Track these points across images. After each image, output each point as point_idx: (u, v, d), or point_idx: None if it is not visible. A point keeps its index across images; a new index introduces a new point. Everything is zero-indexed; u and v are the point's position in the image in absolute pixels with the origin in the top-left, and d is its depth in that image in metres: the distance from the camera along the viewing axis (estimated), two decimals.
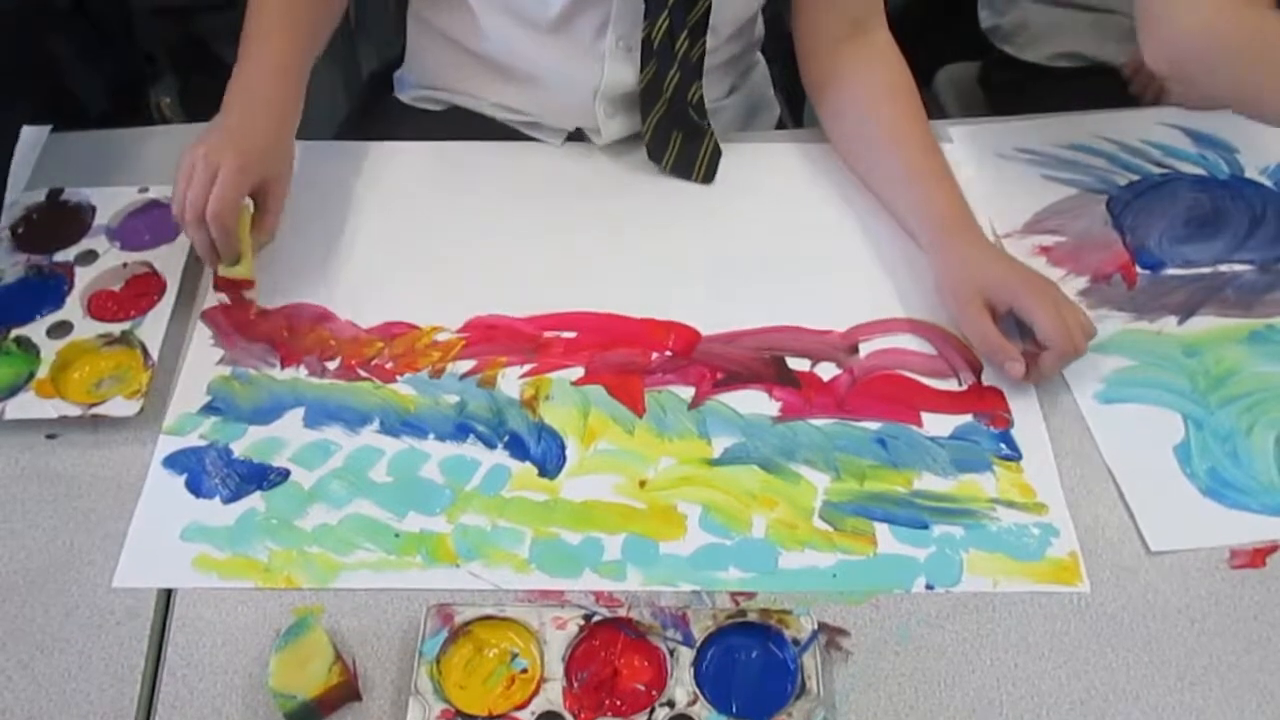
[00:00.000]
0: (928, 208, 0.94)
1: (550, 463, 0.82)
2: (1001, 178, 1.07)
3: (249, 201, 0.91)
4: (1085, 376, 0.89)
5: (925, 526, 0.79)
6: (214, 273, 0.91)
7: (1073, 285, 0.97)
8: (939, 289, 0.91)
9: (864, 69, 1.02)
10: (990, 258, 0.90)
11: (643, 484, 0.81)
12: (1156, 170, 1.08)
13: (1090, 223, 1.02)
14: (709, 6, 0.97)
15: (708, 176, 1.04)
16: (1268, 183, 1.06)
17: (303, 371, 0.88)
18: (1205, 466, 0.83)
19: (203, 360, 0.89)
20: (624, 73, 1.02)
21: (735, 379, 0.88)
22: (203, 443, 0.83)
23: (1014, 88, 1.35)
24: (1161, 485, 0.82)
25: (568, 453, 0.83)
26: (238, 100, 0.93)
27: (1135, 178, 1.07)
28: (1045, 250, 1.00)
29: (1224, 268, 0.98)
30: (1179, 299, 0.95)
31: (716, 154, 1.04)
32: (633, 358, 0.89)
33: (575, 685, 0.69)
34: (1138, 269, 0.98)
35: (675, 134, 1.03)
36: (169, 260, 0.94)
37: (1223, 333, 0.92)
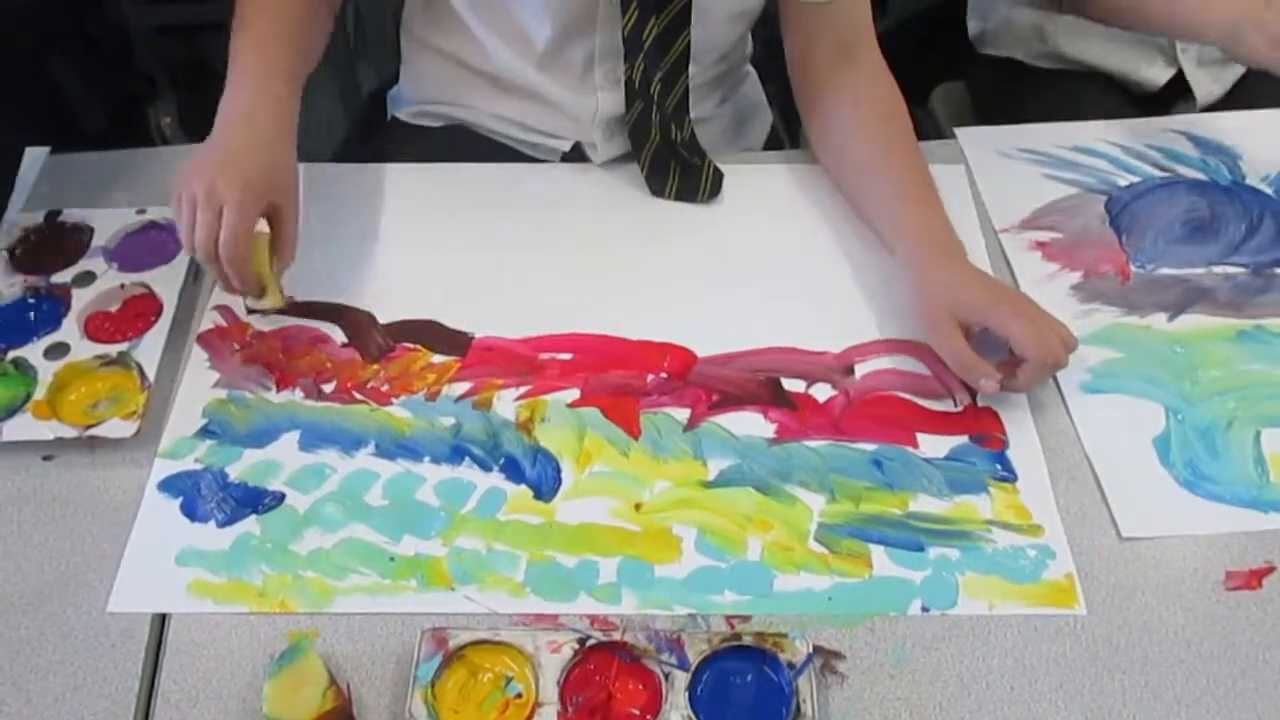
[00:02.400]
0: (908, 231, 0.94)
1: (546, 485, 0.82)
2: (1003, 175, 1.07)
3: (265, 227, 0.89)
4: (1072, 367, 0.88)
5: (921, 549, 0.78)
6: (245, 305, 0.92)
7: (1066, 280, 0.97)
8: (914, 312, 0.91)
9: (852, 92, 1.01)
10: (965, 279, 0.90)
11: (638, 506, 0.81)
12: (1158, 174, 1.08)
13: (1087, 221, 1.03)
14: (684, 51, 0.97)
15: (713, 194, 1.04)
16: (1268, 190, 1.06)
17: (298, 394, 0.88)
18: (1183, 458, 0.83)
19: (198, 383, 0.89)
20: (616, 101, 1.02)
21: (731, 401, 0.88)
22: (198, 466, 0.83)
23: (1002, 89, 1.36)
24: (1138, 474, 0.82)
25: (563, 475, 0.83)
26: (233, 122, 0.89)
27: (1136, 180, 1.07)
28: (1041, 245, 1.00)
29: (1217, 269, 0.98)
30: (1171, 297, 0.96)
31: (718, 175, 1.04)
32: (628, 380, 0.89)
33: (570, 710, 0.69)
34: (1132, 267, 0.98)
35: (673, 166, 1.03)
36: (166, 281, 0.94)
37: (1211, 331, 0.93)
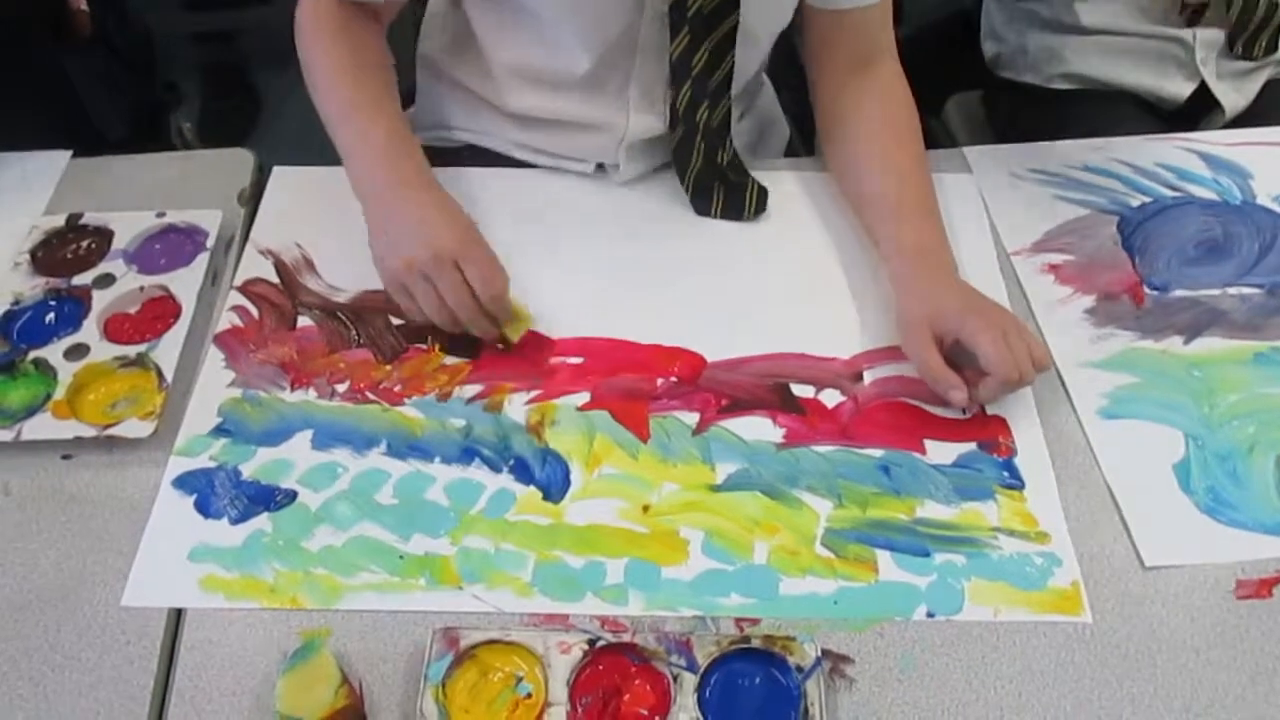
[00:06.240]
0: (898, 243, 0.95)
1: (555, 487, 0.83)
2: (1014, 197, 1.08)
3: None
4: (1089, 392, 0.89)
5: (927, 554, 0.79)
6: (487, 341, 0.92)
7: (1080, 304, 0.97)
8: (895, 321, 0.91)
9: (867, 102, 1.02)
10: (944, 290, 0.90)
11: (646, 509, 0.81)
12: (1169, 193, 1.08)
13: (1100, 243, 1.03)
14: (728, 73, 0.98)
15: (758, 211, 1.05)
16: (1279, 209, 1.06)
17: (312, 394, 0.89)
18: (1204, 485, 0.83)
19: (214, 382, 0.90)
20: (647, 123, 1.03)
21: (740, 405, 0.88)
22: (212, 464, 0.84)
23: (1014, 109, 1.37)
24: (1159, 501, 0.82)
25: (572, 477, 0.83)
26: (395, 197, 0.91)
27: (1147, 200, 1.07)
28: (1054, 268, 1.01)
29: (1232, 290, 0.98)
30: (1186, 319, 0.96)
31: (763, 192, 1.04)
32: (638, 384, 0.90)
33: (579, 710, 0.69)
34: (1146, 289, 0.98)
35: (717, 186, 1.03)
36: (185, 284, 0.95)
37: (1228, 354, 0.92)
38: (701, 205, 1.05)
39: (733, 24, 0.95)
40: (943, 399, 0.86)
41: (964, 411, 0.88)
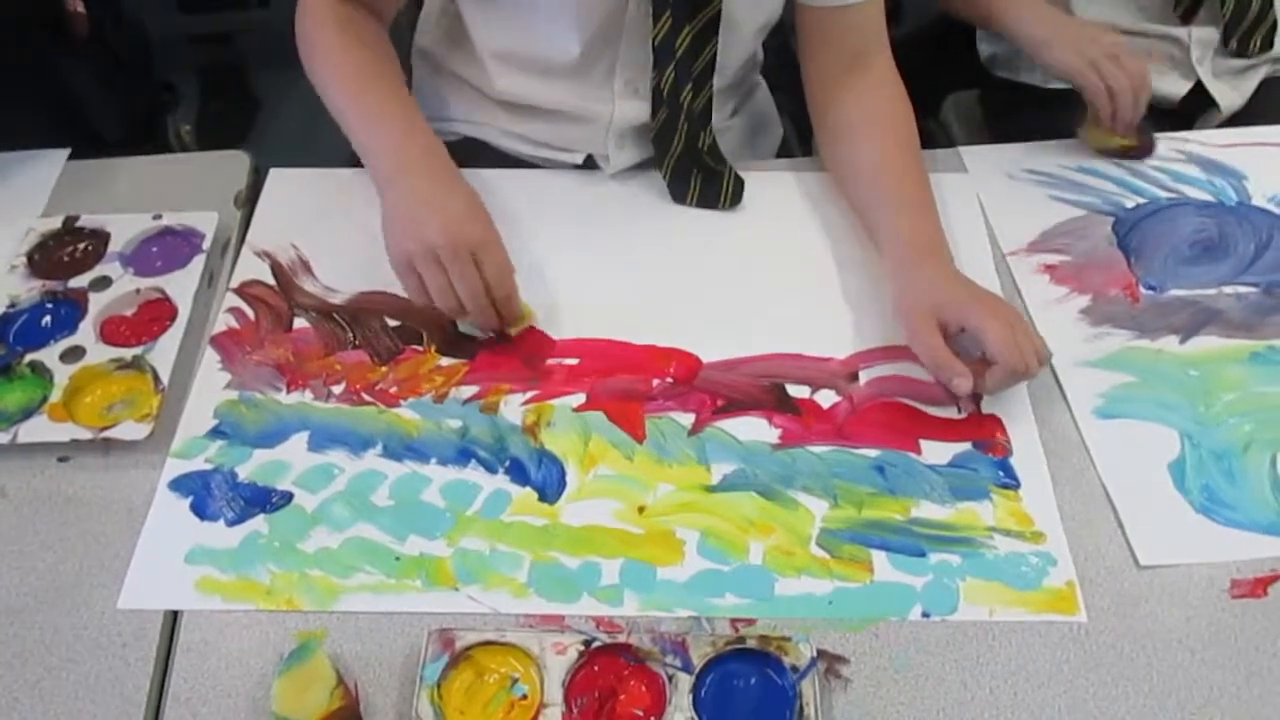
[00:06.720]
0: (897, 236, 0.95)
1: (550, 488, 0.83)
2: (1009, 197, 1.08)
3: None
4: (1084, 392, 0.89)
5: (922, 554, 0.79)
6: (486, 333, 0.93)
7: (1076, 304, 0.97)
8: (896, 311, 0.91)
9: (861, 99, 1.03)
10: (947, 280, 0.90)
11: (642, 510, 0.81)
12: (1164, 195, 1.08)
13: (1095, 243, 1.03)
14: (713, 57, 0.99)
15: (734, 202, 1.05)
16: (1275, 210, 1.06)
17: (308, 396, 0.89)
18: (1199, 484, 0.83)
19: (210, 384, 0.90)
20: (633, 110, 1.04)
21: (735, 406, 0.88)
22: (209, 466, 0.84)
23: (1011, 109, 1.37)
24: (1154, 501, 0.82)
25: (568, 478, 0.83)
26: (415, 181, 0.92)
27: (1143, 201, 1.08)
28: (1049, 269, 1.01)
29: (1228, 289, 0.98)
30: (1182, 319, 0.96)
31: (739, 182, 1.05)
32: (634, 384, 0.90)
33: (575, 711, 0.69)
34: (1141, 289, 0.99)
35: (694, 173, 1.04)
36: (181, 286, 0.95)
37: (1224, 353, 0.93)
38: (678, 192, 1.05)
39: (714, 11, 0.96)
40: (946, 389, 0.86)
41: (960, 409, 0.88)
